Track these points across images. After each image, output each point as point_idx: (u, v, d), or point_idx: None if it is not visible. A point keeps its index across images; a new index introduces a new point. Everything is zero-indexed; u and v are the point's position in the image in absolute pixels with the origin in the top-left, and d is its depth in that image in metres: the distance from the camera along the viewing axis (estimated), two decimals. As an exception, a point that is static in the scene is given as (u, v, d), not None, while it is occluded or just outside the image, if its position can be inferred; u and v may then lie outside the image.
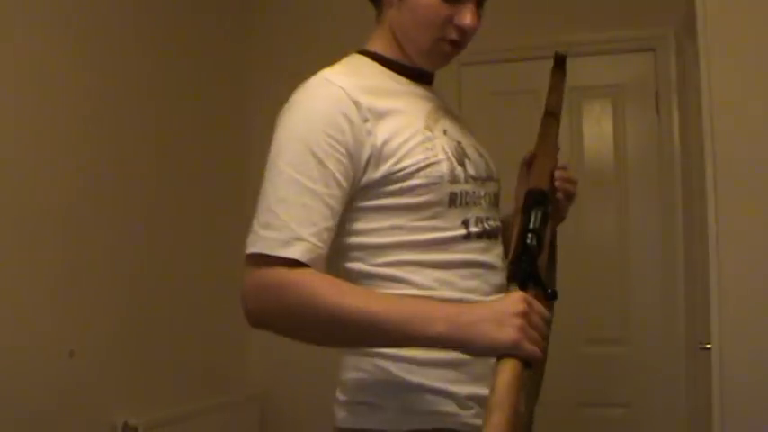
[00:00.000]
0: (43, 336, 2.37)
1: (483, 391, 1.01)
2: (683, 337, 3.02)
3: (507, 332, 0.97)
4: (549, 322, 1.03)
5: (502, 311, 0.99)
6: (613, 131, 3.27)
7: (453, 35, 1.29)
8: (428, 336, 1.01)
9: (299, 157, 1.13)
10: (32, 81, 2.38)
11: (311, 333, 1.09)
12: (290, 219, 1.10)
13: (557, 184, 1.34)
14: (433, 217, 1.20)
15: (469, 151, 1.29)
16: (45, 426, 2.32)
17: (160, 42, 2.98)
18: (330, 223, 1.13)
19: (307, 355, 1.81)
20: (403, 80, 1.31)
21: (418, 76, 1.34)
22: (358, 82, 1.21)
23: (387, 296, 1.13)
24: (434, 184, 1.19)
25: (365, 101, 1.18)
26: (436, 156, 1.20)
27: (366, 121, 1.17)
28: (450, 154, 1.22)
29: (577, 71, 3.34)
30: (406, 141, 1.19)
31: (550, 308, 1.11)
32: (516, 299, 1.00)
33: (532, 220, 1.13)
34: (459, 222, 1.22)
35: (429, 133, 1.23)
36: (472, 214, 1.24)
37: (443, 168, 1.20)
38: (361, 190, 1.19)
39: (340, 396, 1.24)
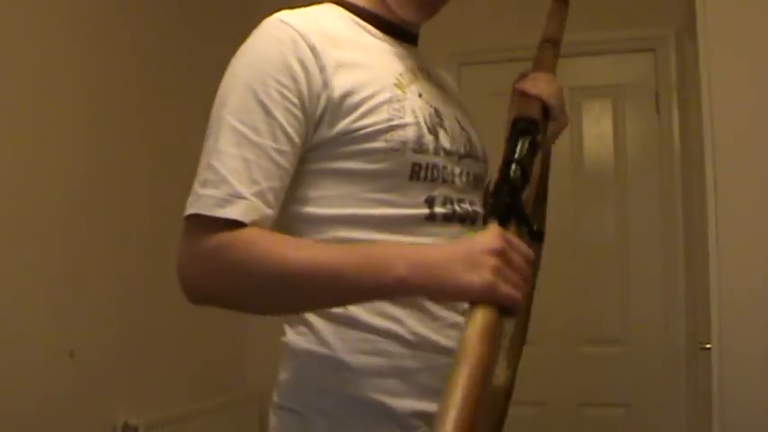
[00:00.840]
0: (43, 336, 2.36)
1: (432, 407, 0.83)
2: (683, 337, 3.02)
3: (480, 273, 0.83)
4: (532, 263, 0.88)
5: (474, 249, 0.85)
6: (613, 131, 3.27)
7: None
8: (387, 283, 0.87)
9: (243, 105, 0.99)
10: (33, 80, 2.38)
11: (258, 299, 0.95)
12: (228, 174, 0.95)
13: (551, 101, 1.16)
14: (389, 189, 1.03)
15: (448, 122, 1.12)
16: (45, 426, 2.32)
17: (161, 44, 2.98)
18: (276, 183, 0.98)
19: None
20: (378, 34, 1.14)
21: (398, 32, 1.17)
22: (318, 27, 1.05)
23: (338, 245, 0.98)
24: (395, 150, 1.01)
25: (324, 47, 1.02)
26: (403, 118, 1.03)
27: (323, 69, 1.01)
28: (421, 119, 1.06)
29: (577, 71, 3.37)
30: (369, 97, 1.02)
31: (537, 251, 1.00)
32: (492, 235, 0.86)
33: (518, 149, 0.97)
34: (421, 200, 1.04)
35: (399, 92, 1.06)
36: (440, 192, 1.06)
37: (409, 134, 1.03)
38: (312, 149, 1.03)
39: (273, 397, 1.09)
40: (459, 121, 1.16)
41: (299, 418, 1.02)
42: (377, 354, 1.01)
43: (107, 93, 2.70)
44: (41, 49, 2.42)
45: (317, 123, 1.01)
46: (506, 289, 0.83)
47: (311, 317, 1.05)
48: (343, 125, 1.01)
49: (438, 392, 0.95)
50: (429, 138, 1.05)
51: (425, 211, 1.04)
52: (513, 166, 0.93)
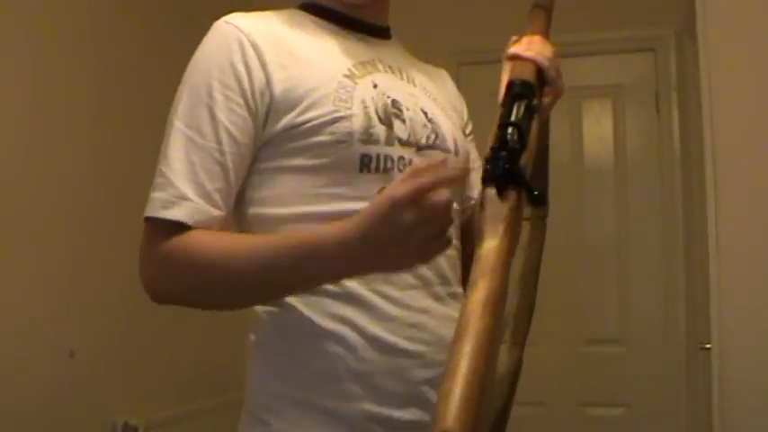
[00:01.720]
0: (43, 336, 2.36)
1: (392, 411, 0.96)
2: (683, 337, 3.02)
3: (408, 257, 0.86)
4: (446, 207, 0.83)
5: (396, 230, 0.82)
6: (613, 131, 3.27)
7: None
8: (325, 280, 0.94)
9: (190, 109, 1.00)
10: (34, 79, 2.38)
11: (211, 297, 0.98)
12: (175, 177, 0.97)
13: (546, 63, 1.09)
14: (339, 183, 1.01)
15: (409, 113, 1.08)
16: (45, 426, 2.32)
17: (158, 44, 2.98)
18: (222, 184, 0.99)
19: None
20: (339, 30, 1.13)
21: (362, 27, 1.16)
22: (264, 26, 1.06)
23: (275, 242, 0.94)
24: (341, 142, 1.00)
25: (268, 44, 1.03)
26: (350, 109, 1.01)
27: (265, 66, 1.01)
28: (371, 109, 1.03)
29: (577, 71, 3.37)
30: (313, 90, 1.01)
31: (540, 222, 1.03)
32: (395, 205, 0.81)
33: (513, 112, 0.91)
34: (374, 192, 0.97)
35: (348, 83, 1.04)
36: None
37: (355, 124, 1.00)
38: (262, 148, 1.03)
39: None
40: (425, 113, 1.12)
41: (259, 422, 1.03)
42: (328, 357, 0.99)
43: (110, 91, 2.69)
44: (42, 51, 2.42)
45: (264, 121, 1.01)
46: (435, 247, 0.84)
47: (264, 319, 1.05)
48: (287, 120, 1.00)
49: (399, 396, 0.97)
50: (380, 128, 1.03)
51: None
52: (510, 129, 0.86)
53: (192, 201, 0.97)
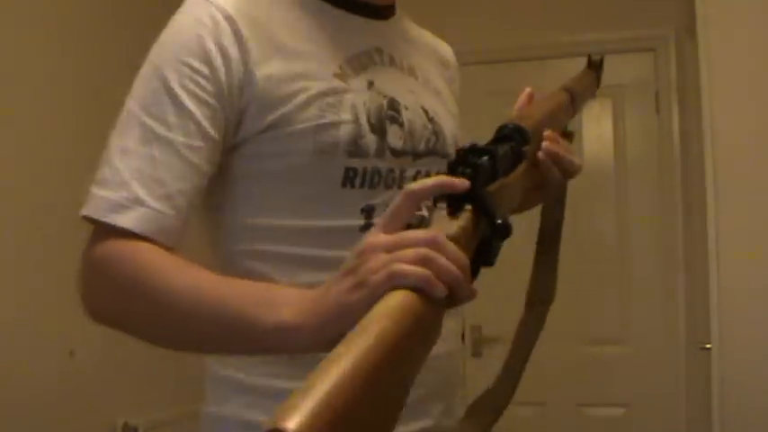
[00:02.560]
0: (43, 336, 2.36)
1: None
2: (683, 337, 3.02)
3: (363, 287, 0.64)
4: (437, 243, 0.64)
5: (347, 267, 0.67)
6: (613, 131, 3.26)
7: None
8: (267, 326, 0.71)
9: (152, 95, 0.85)
10: (35, 79, 2.38)
11: (141, 326, 0.84)
12: (130, 175, 0.82)
13: (544, 144, 0.90)
14: (318, 197, 0.89)
15: (407, 114, 0.96)
16: (45, 425, 2.32)
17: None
18: (187, 185, 0.84)
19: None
20: (333, 11, 0.98)
21: (363, 6, 1.00)
22: (248, 7, 0.90)
23: (225, 279, 0.80)
24: (324, 153, 0.88)
25: (251, 31, 0.88)
26: (337, 115, 0.89)
27: (246, 57, 0.87)
28: (363, 116, 0.91)
29: (578, 71, 3.36)
30: (299, 91, 0.88)
31: (542, 303, 0.94)
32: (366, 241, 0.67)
33: (494, 148, 0.76)
34: (356, 209, 0.90)
35: (340, 83, 0.91)
36: (383, 200, 0.90)
37: (342, 134, 0.89)
38: (233, 149, 0.90)
39: None
40: (426, 112, 1.00)
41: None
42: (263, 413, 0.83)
43: (108, 91, 2.69)
44: (44, 52, 2.42)
45: (239, 119, 0.88)
46: (406, 276, 0.61)
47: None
48: (266, 122, 0.87)
49: None
50: (370, 138, 0.91)
51: (361, 221, 0.90)
52: (483, 155, 0.73)
53: (147, 206, 0.82)
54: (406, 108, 0.98)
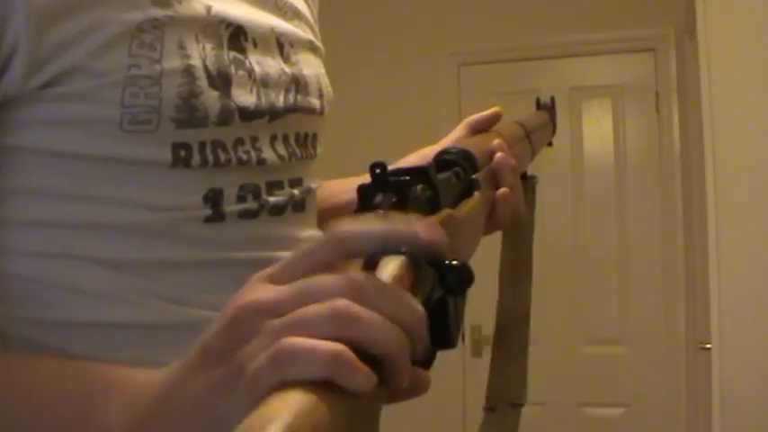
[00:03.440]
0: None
1: None
2: (683, 337, 3.02)
3: (236, 382, 0.39)
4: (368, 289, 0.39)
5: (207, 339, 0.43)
6: (613, 131, 3.27)
7: None
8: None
9: None
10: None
11: None
12: None
13: (496, 165, 0.72)
14: (132, 182, 0.61)
15: (257, 54, 0.68)
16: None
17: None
18: None
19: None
20: None
21: None
22: None
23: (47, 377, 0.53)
24: (140, 122, 0.59)
25: None
26: (158, 62, 0.60)
27: None
28: (198, 60, 0.62)
29: (577, 71, 3.37)
30: (95, 26, 0.58)
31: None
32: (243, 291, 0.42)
33: (431, 170, 0.51)
34: (197, 197, 0.63)
35: (160, 12, 0.61)
36: (233, 180, 0.65)
37: (168, 91, 0.60)
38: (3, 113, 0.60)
39: None
40: (281, 48, 0.71)
41: None
42: None
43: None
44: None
45: (2, 67, 0.58)
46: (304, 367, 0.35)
47: None
48: (46, 74, 0.58)
49: None
50: (209, 95, 0.62)
51: (204, 212, 0.63)
52: (413, 176, 0.49)
53: None
54: (255, 43, 0.68)
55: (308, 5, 0.80)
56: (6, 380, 0.53)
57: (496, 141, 0.74)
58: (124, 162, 0.61)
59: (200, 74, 0.62)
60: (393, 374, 0.37)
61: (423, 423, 2.80)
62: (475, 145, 0.70)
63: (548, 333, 3.05)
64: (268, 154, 0.68)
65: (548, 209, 3.10)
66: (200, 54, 0.63)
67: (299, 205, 0.71)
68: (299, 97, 0.72)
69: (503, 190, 0.71)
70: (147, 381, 0.47)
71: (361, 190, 0.46)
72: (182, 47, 0.62)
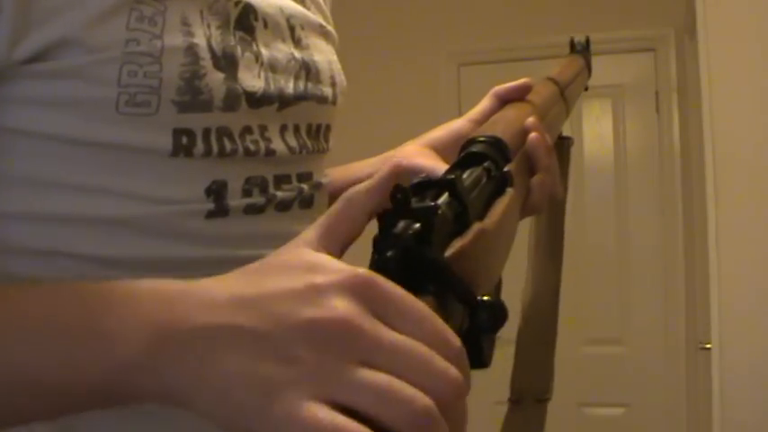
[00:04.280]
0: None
1: None
2: (683, 337, 3.02)
3: (286, 396, 0.36)
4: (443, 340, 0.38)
5: (279, 321, 0.38)
6: (613, 131, 3.27)
7: None
8: (106, 367, 0.41)
9: None
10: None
11: None
12: None
13: (530, 147, 0.66)
14: (128, 172, 0.56)
15: (267, 34, 0.63)
16: (45, 426, 2.32)
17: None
18: None
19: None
20: None
21: None
22: None
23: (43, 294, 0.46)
24: (138, 106, 0.54)
25: None
26: (158, 38, 0.55)
27: None
28: (202, 39, 0.57)
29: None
30: (77, 2, 0.53)
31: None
32: (320, 270, 0.39)
33: (453, 177, 0.48)
34: (198, 190, 0.58)
35: None
36: (238, 172, 0.60)
37: (170, 71, 0.55)
38: None
39: None
40: (292, 31, 0.66)
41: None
42: None
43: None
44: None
45: None
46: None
47: None
48: (35, 44, 0.52)
49: None
50: (214, 77, 0.57)
51: (206, 205, 0.59)
52: (445, 197, 0.45)
53: None
54: (265, 24, 0.63)
55: None
56: None
57: (530, 121, 0.68)
58: (119, 148, 0.55)
59: (205, 53, 0.57)
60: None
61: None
62: (506, 125, 0.65)
63: (548, 333, 3.06)
64: (278, 145, 0.63)
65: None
66: (205, 32, 0.57)
67: (306, 201, 0.66)
68: (309, 85, 0.66)
69: (538, 177, 0.66)
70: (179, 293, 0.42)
71: (382, 216, 0.42)
72: (185, 23, 0.56)
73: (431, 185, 0.46)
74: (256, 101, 0.60)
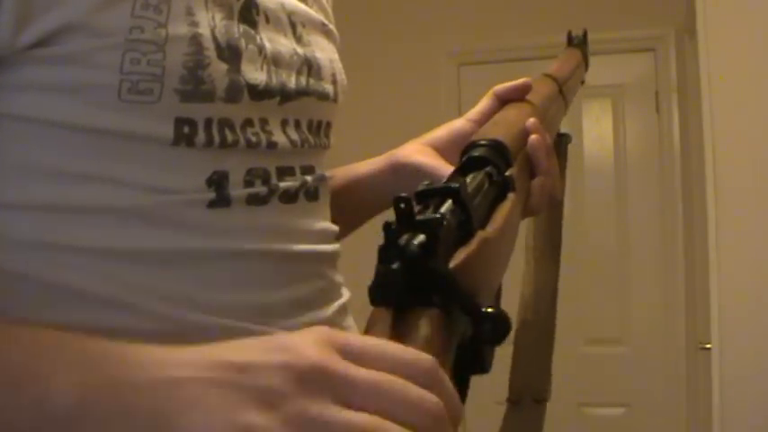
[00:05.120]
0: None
1: None
2: (683, 337, 3.02)
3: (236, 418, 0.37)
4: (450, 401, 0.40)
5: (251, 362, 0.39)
6: (613, 131, 3.27)
7: None
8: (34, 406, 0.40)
9: None
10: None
11: None
12: None
13: (530, 150, 0.69)
14: (127, 159, 0.55)
15: (269, 30, 0.63)
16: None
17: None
18: None
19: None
20: None
21: None
22: None
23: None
24: (141, 94, 0.54)
25: None
26: (163, 27, 0.55)
27: None
28: (206, 29, 0.57)
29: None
30: None
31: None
32: (308, 349, 0.39)
33: (462, 189, 0.49)
34: (200, 179, 0.57)
35: None
36: (239, 162, 0.60)
37: (174, 58, 0.55)
38: None
39: None
40: (293, 27, 0.66)
41: None
42: None
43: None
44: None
45: None
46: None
47: None
48: (39, 29, 0.52)
49: None
50: (217, 68, 0.57)
51: (208, 195, 0.58)
52: (448, 206, 0.46)
53: None
54: (267, 18, 0.63)
55: None
56: None
57: (531, 122, 0.69)
58: (120, 136, 0.55)
59: (209, 44, 0.57)
60: None
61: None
62: (506, 127, 0.65)
63: (548, 333, 3.05)
64: (279, 138, 0.62)
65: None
66: (209, 23, 0.57)
67: (312, 193, 0.65)
68: (311, 81, 0.66)
69: (538, 179, 0.68)
70: (126, 349, 0.41)
71: (387, 226, 0.42)
72: (190, 12, 0.56)
73: (435, 193, 0.46)
74: (258, 93, 0.60)
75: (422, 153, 0.78)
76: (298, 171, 0.65)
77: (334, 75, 0.70)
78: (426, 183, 0.48)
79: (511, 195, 0.57)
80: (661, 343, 3.09)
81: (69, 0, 0.52)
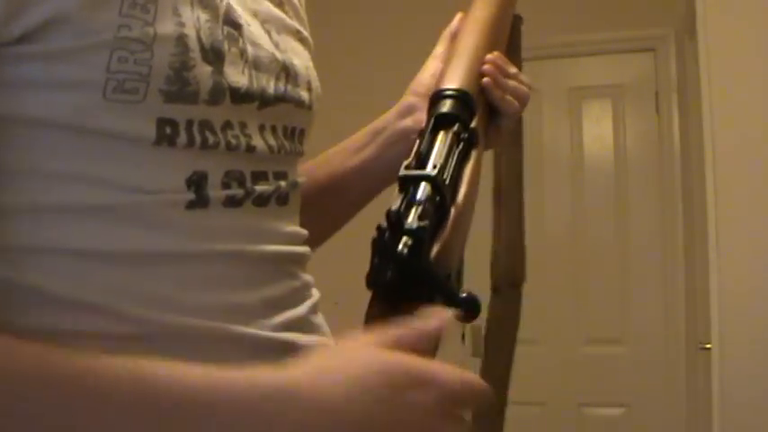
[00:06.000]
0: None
1: None
2: (683, 337, 3.02)
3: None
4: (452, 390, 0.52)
5: (399, 412, 0.50)
6: (613, 131, 3.26)
7: None
8: None
9: None
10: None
11: None
12: None
13: (486, 81, 0.73)
14: (108, 158, 0.55)
15: (251, 36, 0.64)
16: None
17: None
18: None
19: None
20: None
21: None
22: None
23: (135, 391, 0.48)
24: (126, 91, 0.54)
25: None
26: (149, 25, 0.55)
27: None
28: (192, 30, 0.57)
29: (577, 71, 3.37)
30: None
31: (512, 286, 0.77)
32: (396, 385, 0.50)
33: (434, 153, 0.58)
34: (179, 179, 0.58)
35: None
36: (217, 164, 0.60)
37: (161, 58, 0.55)
38: None
39: None
40: (269, 34, 0.67)
41: None
42: None
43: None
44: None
45: None
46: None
47: None
48: (29, 21, 0.51)
49: None
50: (202, 70, 0.57)
51: (187, 196, 0.58)
52: (423, 186, 0.54)
53: None
54: (248, 24, 0.64)
55: None
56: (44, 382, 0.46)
57: (485, 69, 0.73)
58: (102, 135, 0.55)
59: (194, 45, 0.57)
60: None
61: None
62: (465, 72, 0.70)
63: (548, 333, 3.05)
64: (257, 142, 0.63)
65: (548, 209, 3.10)
66: (195, 24, 0.58)
67: (283, 198, 0.67)
68: (288, 87, 0.67)
69: (504, 122, 0.75)
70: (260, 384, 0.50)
71: (379, 230, 0.53)
72: (176, 13, 0.56)
73: (413, 180, 0.56)
74: (240, 97, 0.61)
75: (402, 114, 0.86)
76: (271, 177, 0.65)
77: (309, 82, 0.71)
78: (405, 164, 0.58)
79: (474, 153, 0.63)
80: (661, 343, 3.09)
81: (40, 8, 0.52)
